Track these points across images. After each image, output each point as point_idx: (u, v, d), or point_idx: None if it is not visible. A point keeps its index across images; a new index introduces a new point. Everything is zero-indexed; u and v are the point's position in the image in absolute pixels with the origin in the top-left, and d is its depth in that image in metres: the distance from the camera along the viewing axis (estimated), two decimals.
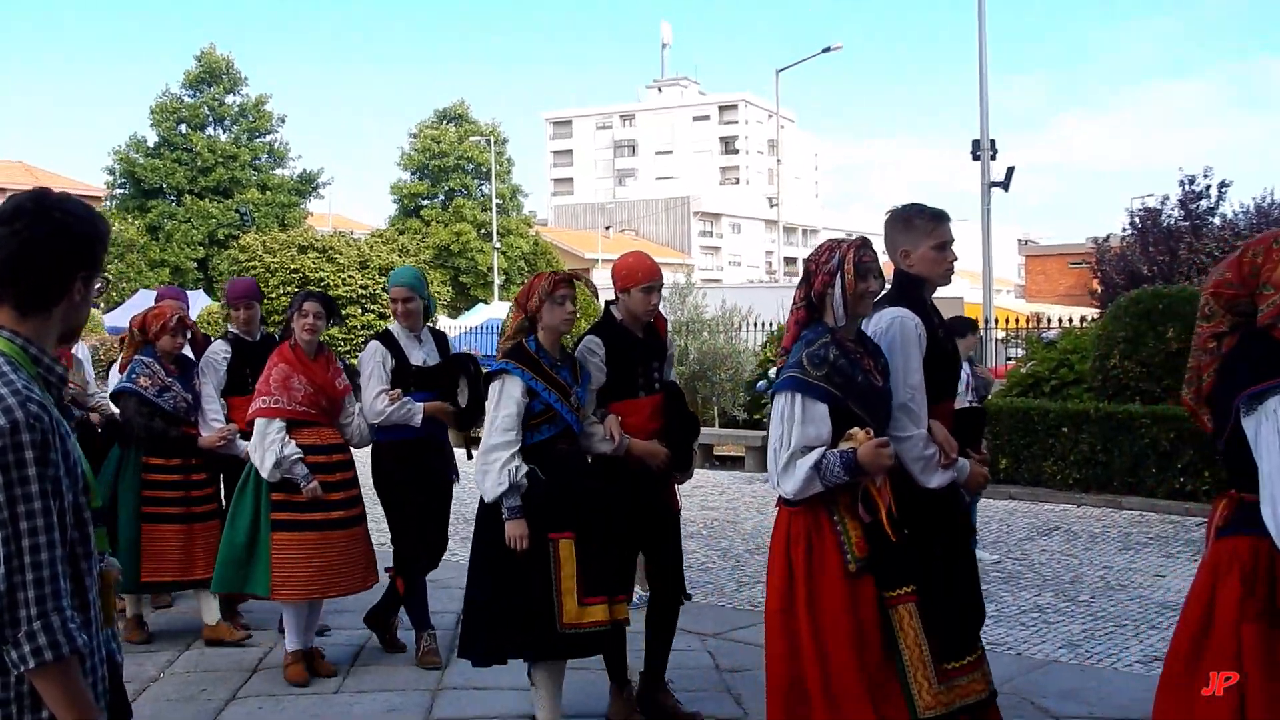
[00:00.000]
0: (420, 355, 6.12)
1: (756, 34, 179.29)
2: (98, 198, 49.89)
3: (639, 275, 4.96)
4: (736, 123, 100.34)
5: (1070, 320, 17.34)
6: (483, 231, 51.01)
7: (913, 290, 4.06)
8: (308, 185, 49.36)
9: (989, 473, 4.32)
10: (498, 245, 49.56)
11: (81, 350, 7.64)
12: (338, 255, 27.08)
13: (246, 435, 6.03)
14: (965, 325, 8.51)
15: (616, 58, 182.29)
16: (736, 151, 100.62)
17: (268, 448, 5.65)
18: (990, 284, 20.58)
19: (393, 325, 6.25)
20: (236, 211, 46.18)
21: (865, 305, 3.85)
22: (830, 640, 3.65)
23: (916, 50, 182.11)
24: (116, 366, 6.68)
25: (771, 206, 52.03)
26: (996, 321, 19.96)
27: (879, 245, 4.13)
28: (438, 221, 51.27)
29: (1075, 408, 12.41)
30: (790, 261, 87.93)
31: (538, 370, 4.73)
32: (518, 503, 4.64)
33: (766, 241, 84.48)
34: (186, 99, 46.97)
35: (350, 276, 26.30)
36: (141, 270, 42.12)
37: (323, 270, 26.56)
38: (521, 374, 4.70)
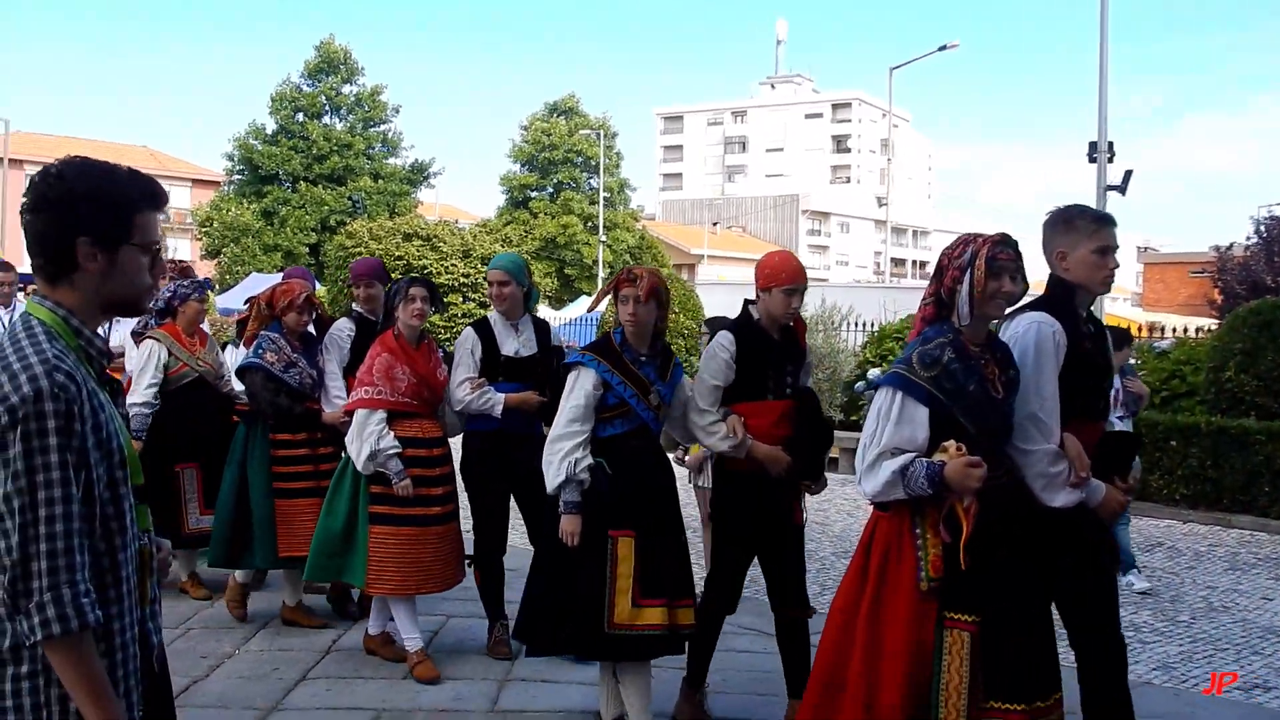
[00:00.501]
0: (513, 345, 5.93)
1: (873, 32, 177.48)
2: (217, 183, 51.34)
3: (782, 276, 4.77)
4: (849, 121, 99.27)
5: (1187, 330, 16.73)
6: (589, 224, 51.21)
7: (1063, 295, 3.89)
8: (419, 175, 50.01)
9: (1131, 498, 4.08)
10: (604, 238, 49.70)
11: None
12: (441, 244, 27.31)
13: None
14: (1120, 337, 7.86)
15: (730, 54, 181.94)
16: (848, 150, 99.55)
17: (365, 439, 5.52)
18: None
19: (491, 313, 6.08)
20: (349, 199, 46.98)
21: (995, 307, 3.62)
22: (885, 655, 3.54)
23: (1035, 50, 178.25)
24: (241, 341, 6.76)
25: (880, 206, 51.23)
26: None
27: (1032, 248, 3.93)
28: (545, 213, 51.57)
29: (1185, 420, 11.93)
30: (899, 263, 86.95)
31: (618, 364, 4.62)
32: (575, 498, 4.55)
33: (875, 242, 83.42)
34: (305, 88, 47.86)
35: (453, 265, 26.51)
36: (255, 254, 43.13)
37: (426, 258, 26.81)
38: (596, 366, 4.61)
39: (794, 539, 4.95)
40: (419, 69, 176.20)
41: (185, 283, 7.08)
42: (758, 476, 4.77)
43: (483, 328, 5.95)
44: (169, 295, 6.94)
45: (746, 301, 4.93)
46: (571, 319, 27.12)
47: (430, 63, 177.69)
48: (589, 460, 4.57)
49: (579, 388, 4.62)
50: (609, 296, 4.87)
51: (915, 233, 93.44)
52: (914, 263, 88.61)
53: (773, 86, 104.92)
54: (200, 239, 45.82)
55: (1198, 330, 16.83)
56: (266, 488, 6.27)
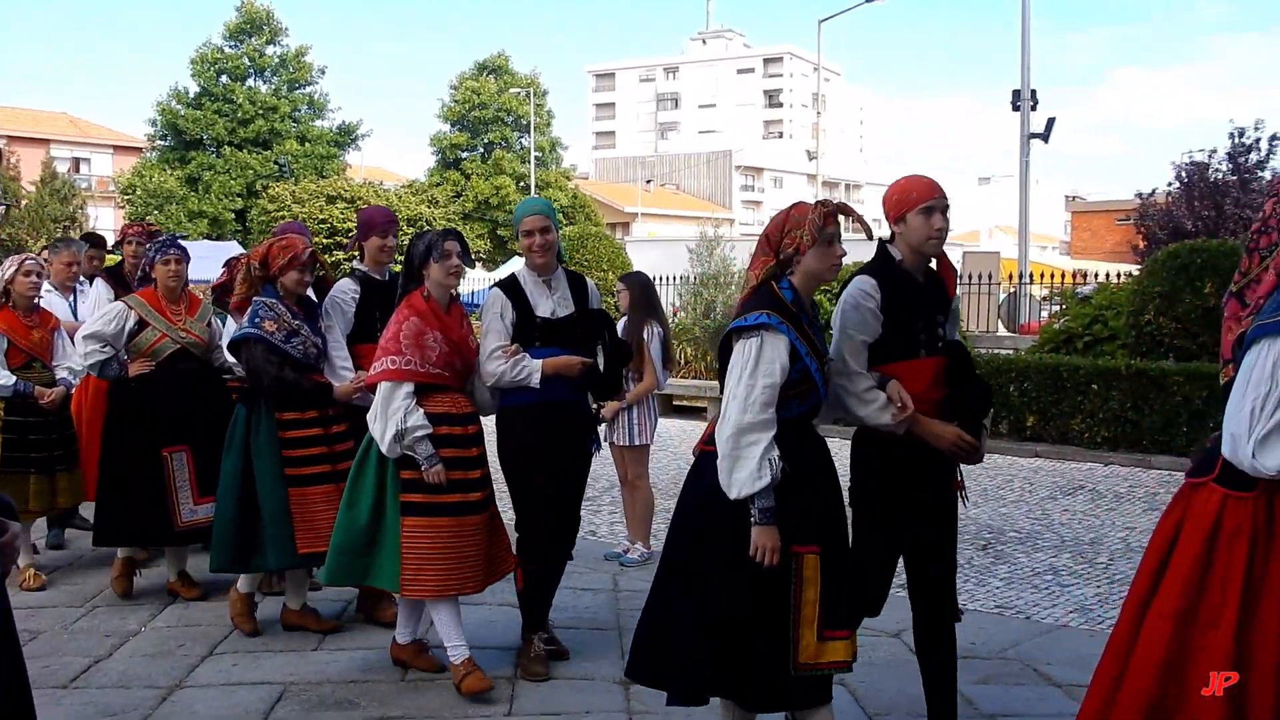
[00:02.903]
0: (549, 305, 5.14)
1: None
2: (139, 149, 50.24)
3: (913, 195, 3.98)
4: (781, 75, 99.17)
5: (1113, 276, 16.90)
6: (522, 184, 50.78)
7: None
8: (346, 137, 49.25)
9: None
10: (536, 197, 49.31)
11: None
12: (365, 205, 27.00)
13: None
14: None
15: (661, 9, 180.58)
16: (780, 105, 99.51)
17: (390, 416, 4.74)
18: (1026, 238, 20.10)
19: (519, 269, 5.26)
20: (275, 163, 46.15)
21: None
22: (1257, 665, 2.94)
23: (965, 1, 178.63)
24: (229, 310, 5.91)
25: (810, 160, 51.22)
26: (1033, 277, 19.53)
27: None
28: (477, 174, 51.05)
29: (1106, 364, 12.06)
30: None
31: (797, 327, 3.65)
32: (773, 503, 3.56)
33: (809, 196, 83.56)
34: (227, 50, 46.89)
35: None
36: (180, 221, 42.28)
37: (351, 221, 26.46)
38: (788, 331, 3.60)
39: (950, 529, 4.19)
40: (344, 29, 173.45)
41: (150, 245, 6.41)
42: (910, 451, 3.96)
43: (512, 287, 5.14)
44: (146, 261, 6.27)
45: (882, 242, 4.11)
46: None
47: (356, 22, 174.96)
48: (778, 454, 3.58)
49: (767, 359, 3.59)
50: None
51: (848, 186, 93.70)
52: None
53: (704, 42, 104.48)
54: (123, 207, 44.83)
55: (1117, 275, 17.00)
56: (276, 475, 5.45)
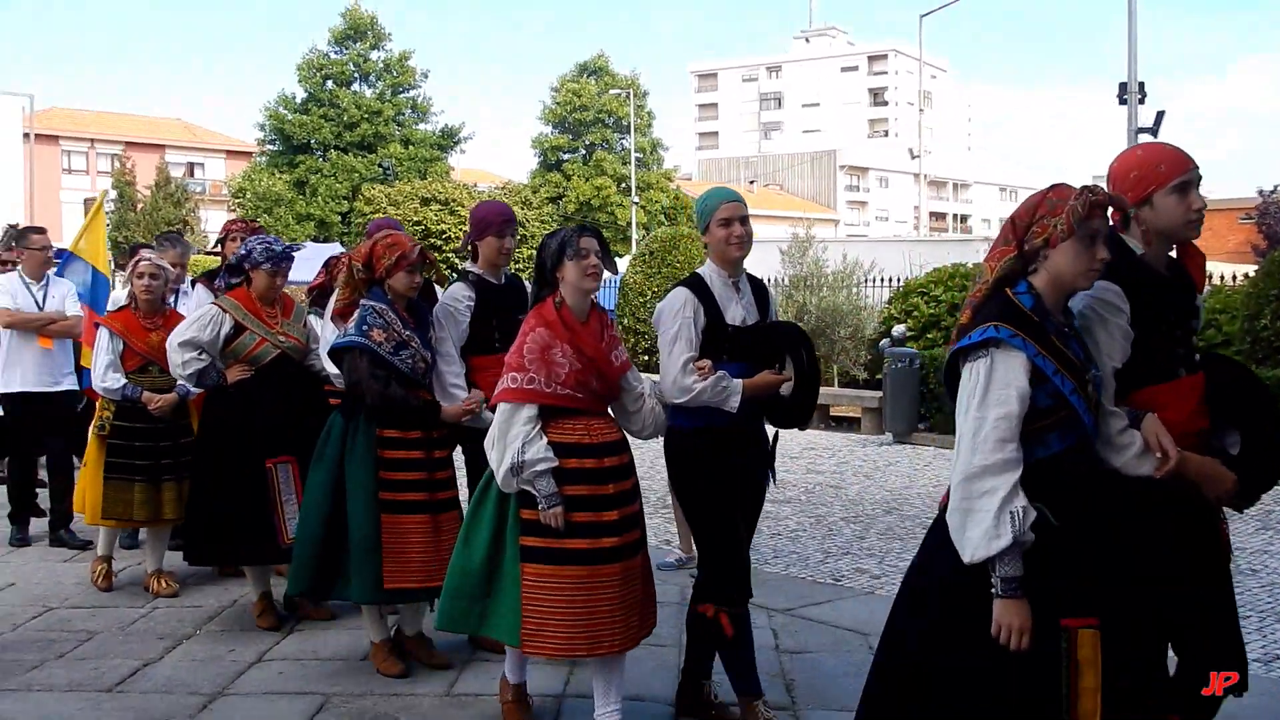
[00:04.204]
0: (738, 310, 4.41)
1: None
2: (249, 153, 51.39)
3: (1161, 168, 3.22)
4: (886, 73, 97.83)
5: (1235, 278, 16.12)
6: (623, 186, 50.77)
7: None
8: (449, 140, 49.73)
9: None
10: (636, 199, 49.25)
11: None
12: (460, 207, 27.13)
13: None
14: None
15: (763, 8, 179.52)
16: (885, 103, 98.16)
17: (508, 444, 4.04)
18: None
19: (705, 269, 4.47)
20: (380, 166, 46.82)
21: None
22: None
23: None
24: (328, 314, 5.35)
25: (913, 159, 50.28)
26: None
27: None
28: (578, 175, 51.15)
29: None
30: (939, 216, 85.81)
31: (1042, 340, 2.92)
32: (1019, 570, 2.83)
33: (916, 196, 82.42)
34: (333, 56, 47.70)
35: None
36: (288, 224, 43.09)
37: (445, 222, 26.61)
38: (1025, 346, 2.90)
39: (1225, 585, 3.32)
40: (447, 33, 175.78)
41: (259, 246, 5.76)
42: (1177, 497, 3.13)
43: (700, 288, 4.38)
44: (243, 253, 5.77)
45: (1112, 229, 3.19)
46: (604, 280, 26.75)
47: (458, 26, 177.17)
48: (1030, 507, 2.85)
49: (1001, 383, 2.88)
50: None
51: (956, 185, 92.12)
52: (955, 216, 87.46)
53: (807, 40, 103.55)
54: (234, 210, 45.84)
55: (1234, 278, 16.22)
56: (369, 497, 4.86)
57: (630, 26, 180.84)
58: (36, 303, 7.61)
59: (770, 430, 4.60)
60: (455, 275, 5.57)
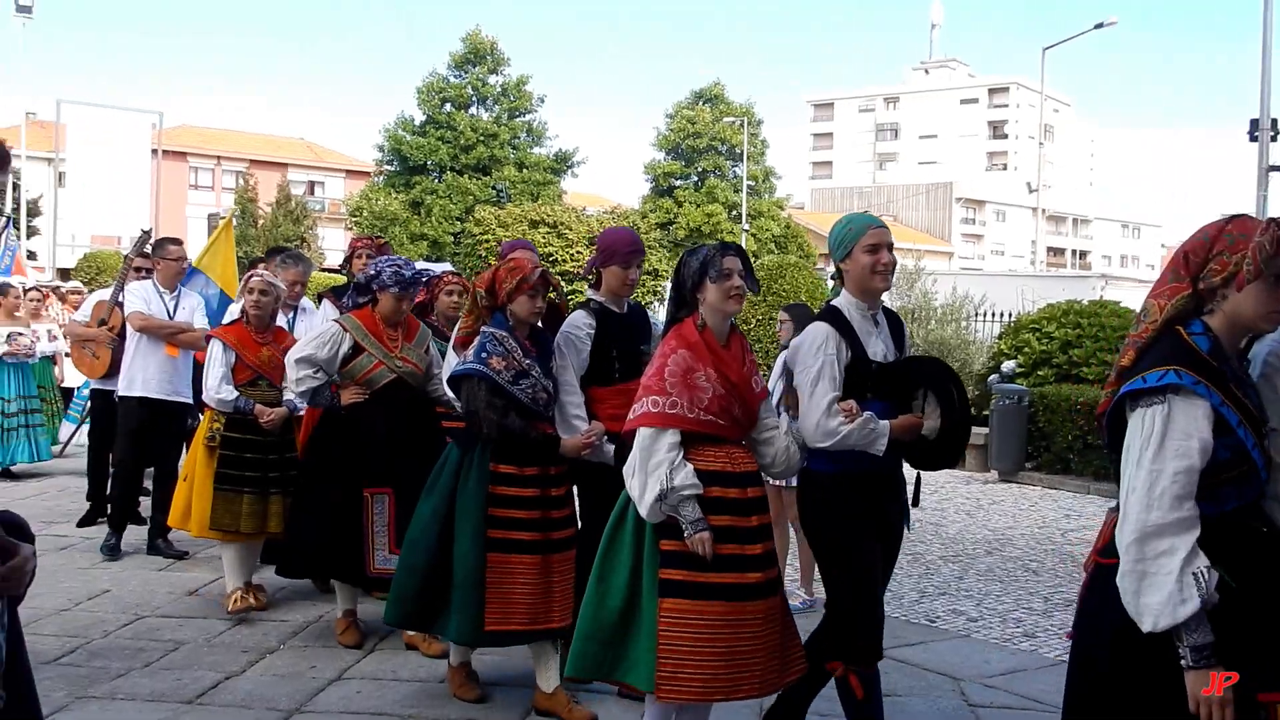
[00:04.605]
0: (879, 345, 4.13)
1: (1032, 13, 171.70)
2: (368, 173, 52.52)
3: None
4: (1007, 106, 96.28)
5: None
6: (734, 213, 50.70)
7: None
8: (563, 164, 50.22)
9: None
10: (746, 227, 49.15)
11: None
12: (568, 230, 27.31)
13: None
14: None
15: (882, 40, 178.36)
16: (1005, 136, 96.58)
17: (651, 470, 3.80)
18: None
19: (841, 300, 4.17)
20: (493, 188, 47.45)
21: None
22: None
23: (1198, 24, 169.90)
24: (453, 342, 5.09)
25: (1030, 192, 49.31)
26: None
27: None
28: (690, 202, 51.24)
29: None
30: (1057, 252, 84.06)
31: (1223, 388, 2.69)
32: (1209, 637, 2.57)
33: (1034, 230, 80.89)
34: (452, 80, 48.54)
35: (578, 252, 26.51)
36: (403, 243, 43.85)
37: (552, 245, 26.79)
38: (1209, 394, 2.66)
39: None
40: (565, 58, 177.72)
41: (389, 268, 5.62)
42: None
43: (839, 321, 4.09)
44: (372, 273, 5.65)
45: None
46: None
47: (576, 51, 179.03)
48: (1213, 570, 2.60)
49: (1182, 433, 2.64)
50: None
51: (1076, 220, 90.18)
52: (1074, 252, 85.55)
53: (926, 71, 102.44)
54: (351, 229, 46.85)
55: None
56: (477, 534, 4.65)
57: (747, 55, 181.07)
58: (168, 311, 7.73)
59: (911, 473, 4.31)
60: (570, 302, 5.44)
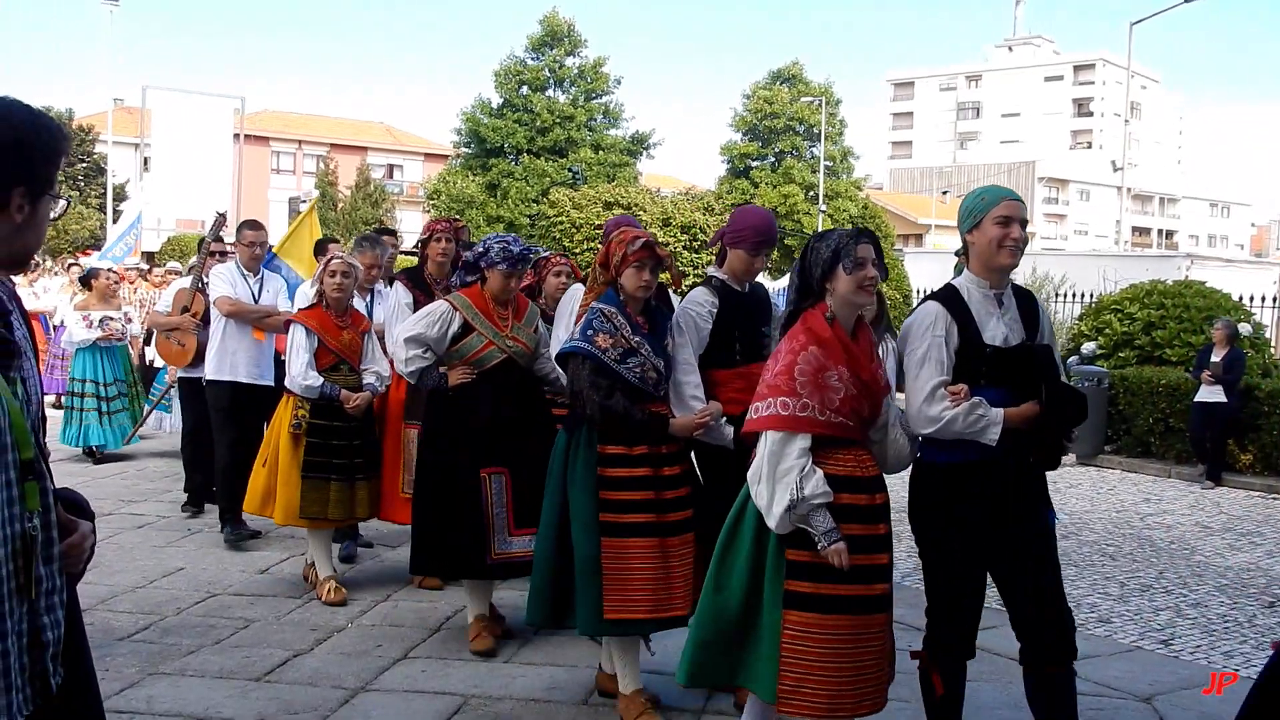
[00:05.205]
0: (999, 329, 3.86)
1: None
2: (446, 156, 52.92)
3: None
4: (1093, 83, 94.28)
5: None
6: (810, 194, 50.27)
7: None
8: (639, 146, 50.13)
9: None
10: (824, 208, 48.68)
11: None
12: (641, 212, 27.22)
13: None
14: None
15: (963, 17, 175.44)
16: (1090, 114, 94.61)
17: (780, 478, 3.57)
18: None
19: (961, 279, 3.95)
20: (570, 170, 47.53)
21: None
22: None
23: None
24: (570, 319, 4.98)
25: (1115, 171, 48.22)
26: None
27: None
28: (766, 183, 50.88)
29: None
30: (1143, 232, 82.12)
31: None
32: None
33: (1118, 210, 79.21)
34: (529, 62, 48.63)
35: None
36: (480, 225, 44.12)
37: None
38: None
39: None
40: (642, 39, 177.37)
41: (497, 245, 5.41)
42: None
43: (954, 302, 3.87)
44: (480, 250, 5.44)
45: None
46: (781, 289, 26.59)
47: (653, 33, 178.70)
48: None
49: None
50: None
51: (1162, 200, 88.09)
52: (1160, 232, 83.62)
53: (1010, 49, 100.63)
54: (428, 211, 47.25)
55: None
56: (589, 519, 4.48)
57: (826, 34, 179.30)
58: (253, 294, 7.65)
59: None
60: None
